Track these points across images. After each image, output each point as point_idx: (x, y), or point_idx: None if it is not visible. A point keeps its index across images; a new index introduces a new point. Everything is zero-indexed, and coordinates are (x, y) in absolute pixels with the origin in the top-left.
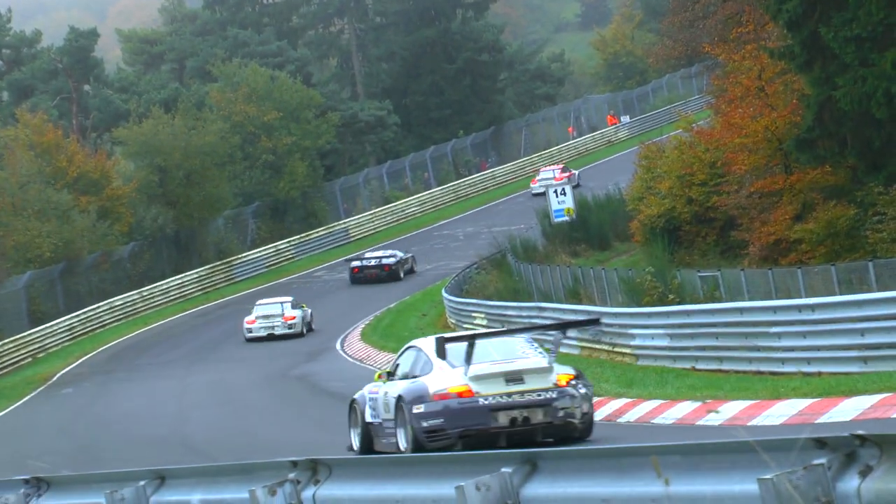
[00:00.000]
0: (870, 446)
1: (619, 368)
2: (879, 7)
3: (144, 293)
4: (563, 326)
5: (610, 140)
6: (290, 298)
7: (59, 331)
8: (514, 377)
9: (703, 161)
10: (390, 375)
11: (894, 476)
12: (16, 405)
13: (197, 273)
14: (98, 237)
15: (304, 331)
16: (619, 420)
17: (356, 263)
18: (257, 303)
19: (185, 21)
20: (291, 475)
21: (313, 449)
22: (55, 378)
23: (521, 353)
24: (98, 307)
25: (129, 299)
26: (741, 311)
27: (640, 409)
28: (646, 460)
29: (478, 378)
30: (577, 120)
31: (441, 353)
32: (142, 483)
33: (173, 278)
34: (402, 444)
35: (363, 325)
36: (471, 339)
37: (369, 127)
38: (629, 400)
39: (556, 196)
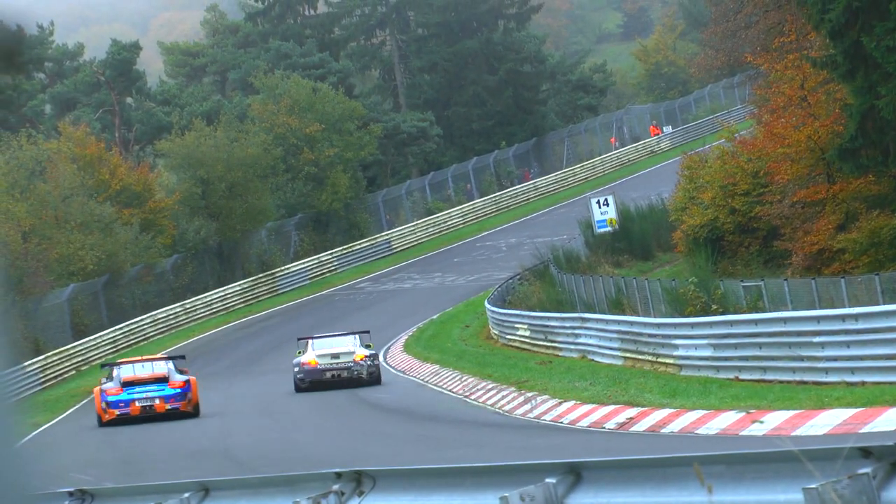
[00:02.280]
0: None
1: (662, 379)
2: None
3: (187, 306)
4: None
5: (652, 150)
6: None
7: (102, 344)
8: (335, 356)
9: (745, 171)
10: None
11: None
12: (59, 418)
13: (240, 285)
14: (141, 250)
15: None
16: (662, 430)
17: None
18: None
19: (227, 33)
20: (335, 486)
21: (357, 460)
22: None
23: (345, 344)
24: (141, 320)
25: (171, 312)
26: (784, 320)
27: (684, 420)
28: (689, 470)
29: (319, 356)
30: (619, 130)
31: (302, 345)
32: (186, 495)
33: (216, 291)
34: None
35: (406, 337)
36: (310, 337)
37: (411, 138)
38: (672, 410)
39: (599, 207)
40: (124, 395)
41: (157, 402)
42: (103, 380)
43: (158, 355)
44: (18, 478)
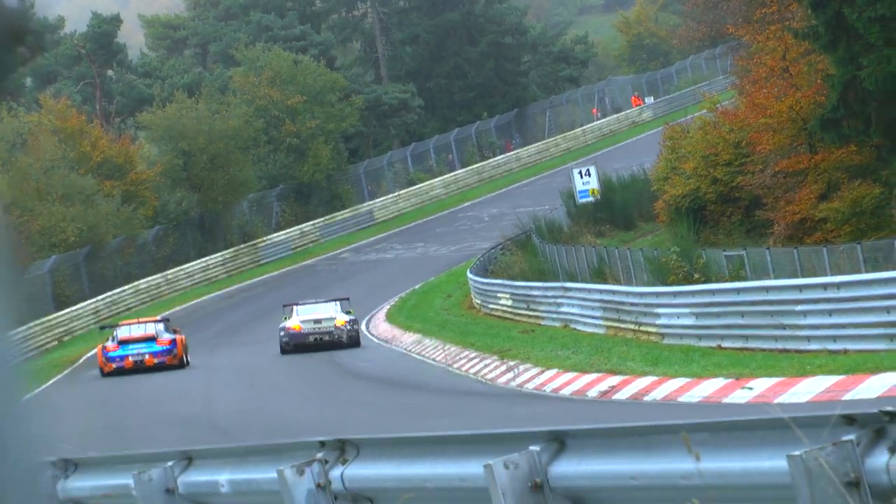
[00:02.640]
0: None
1: (644, 347)
2: None
3: (169, 276)
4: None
5: (634, 121)
6: None
7: (84, 314)
8: (317, 321)
9: (727, 141)
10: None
11: None
12: (42, 388)
13: (222, 256)
14: (122, 221)
15: None
16: (645, 398)
17: None
18: None
19: (208, 6)
20: (319, 455)
21: (341, 428)
22: (81, 361)
23: (327, 311)
24: (123, 290)
25: (153, 282)
26: (767, 289)
27: (666, 388)
28: (673, 437)
29: (303, 321)
30: (601, 101)
31: (288, 311)
32: (169, 464)
33: (198, 261)
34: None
35: (388, 306)
36: (295, 304)
37: (393, 110)
38: (655, 378)
39: (581, 177)
40: (120, 352)
41: (147, 357)
42: (109, 339)
43: (151, 318)
44: (26, 438)
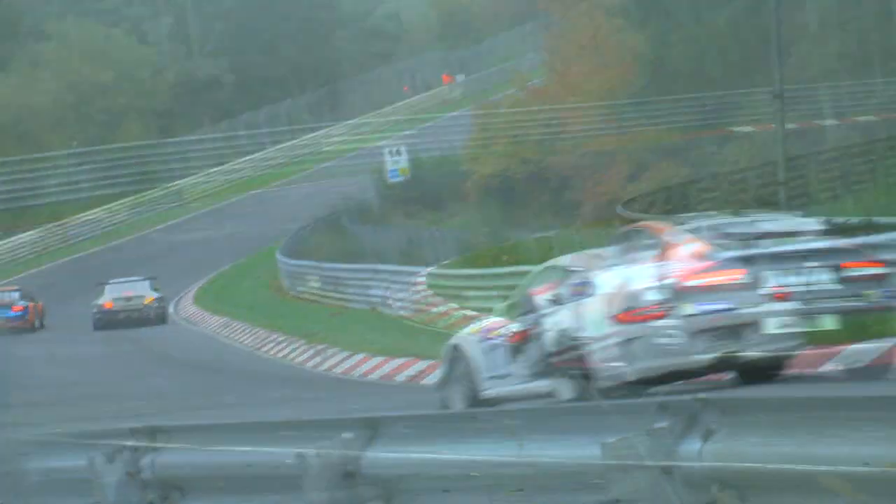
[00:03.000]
0: (711, 410)
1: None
2: None
3: None
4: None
5: (445, 99)
6: None
7: None
8: (127, 298)
9: (537, 121)
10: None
11: (734, 438)
12: None
13: (29, 235)
14: None
15: None
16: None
17: None
18: None
19: None
20: (130, 442)
21: (150, 415)
22: None
23: (136, 289)
24: None
25: None
26: None
27: None
28: (490, 425)
29: (114, 298)
30: (412, 79)
31: (99, 289)
32: None
33: (5, 241)
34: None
35: (197, 288)
36: (106, 282)
37: (204, 86)
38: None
39: (391, 156)
40: None
41: (2, 321)
42: None
43: (8, 287)
44: None
